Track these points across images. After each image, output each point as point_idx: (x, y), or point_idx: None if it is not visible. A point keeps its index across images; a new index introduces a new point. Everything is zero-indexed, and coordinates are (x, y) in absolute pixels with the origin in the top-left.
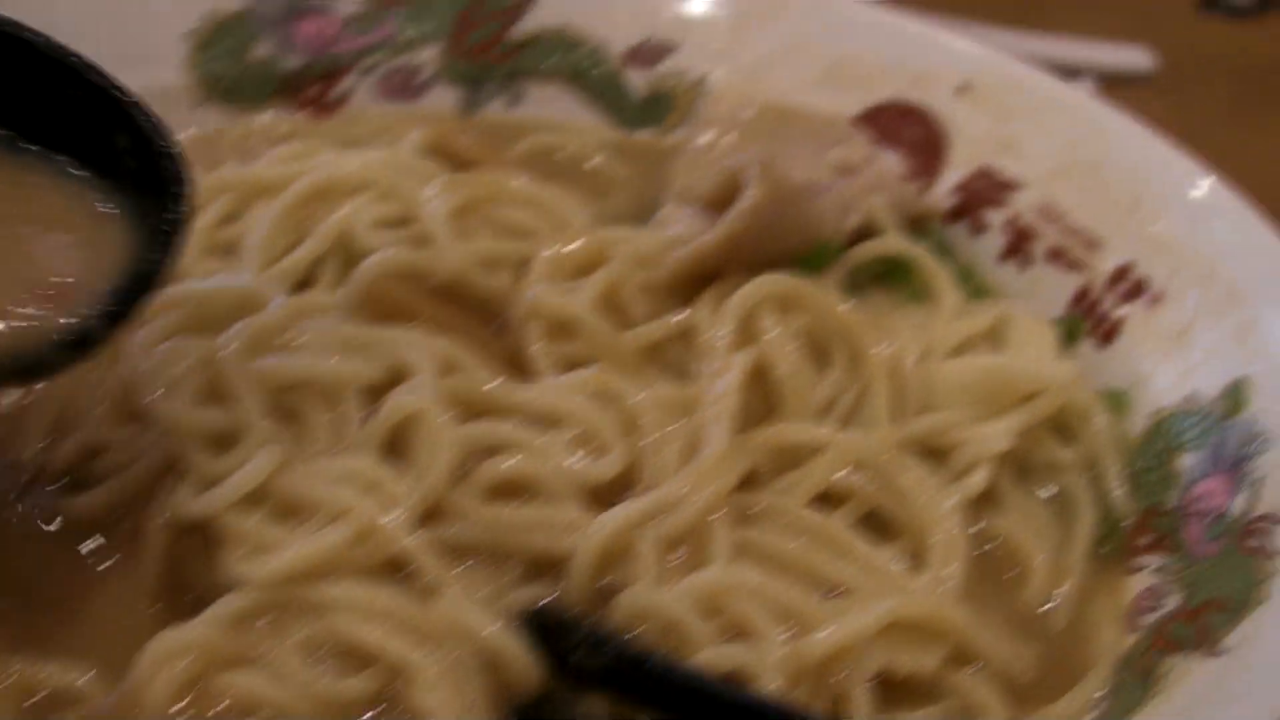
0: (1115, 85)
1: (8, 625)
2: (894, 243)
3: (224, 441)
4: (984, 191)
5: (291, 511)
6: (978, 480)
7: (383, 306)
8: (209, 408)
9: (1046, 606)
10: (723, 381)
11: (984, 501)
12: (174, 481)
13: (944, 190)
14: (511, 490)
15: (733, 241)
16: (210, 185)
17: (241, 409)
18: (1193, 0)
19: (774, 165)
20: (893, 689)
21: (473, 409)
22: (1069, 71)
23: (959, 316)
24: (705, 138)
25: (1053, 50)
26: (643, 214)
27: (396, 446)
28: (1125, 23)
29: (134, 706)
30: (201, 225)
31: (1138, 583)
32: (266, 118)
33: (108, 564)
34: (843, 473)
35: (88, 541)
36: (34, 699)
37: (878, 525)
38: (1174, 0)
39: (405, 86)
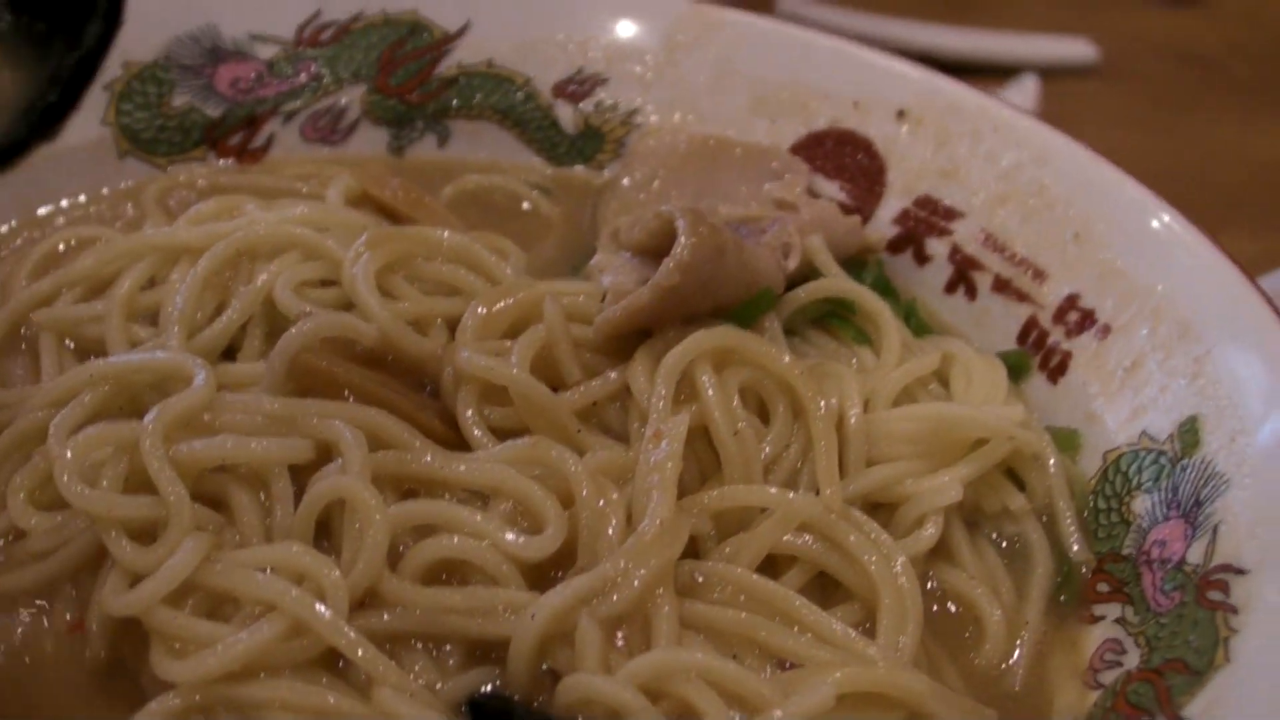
0: (1058, 77)
1: None
2: (835, 283)
3: (150, 530)
4: (926, 220)
5: (220, 603)
6: (929, 535)
7: (308, 377)
8: (132, 496)
9: (1005, 664)
10: (661, 447)
11: (936, 555)
12: (102, 570)
13: (885, 219)
14: (447, 570)
15: (665, 298)
16: (131, 248)
17: (165, 497)
18: None
19: (705, 214)
20: None
21: (404, 485)
22: (1011, 67)
23: (904, 359)
24: (635, 175)
25: (993, 46)
26: (576, 256)
27: (327, 527)
28: (1065, 15)
29: None
30: (122, 292)
31: (1098, 633)
32: (189, 169)
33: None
34: (789, 535)
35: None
36: None
37: (827, 586)
38: None
39: (331, 129)
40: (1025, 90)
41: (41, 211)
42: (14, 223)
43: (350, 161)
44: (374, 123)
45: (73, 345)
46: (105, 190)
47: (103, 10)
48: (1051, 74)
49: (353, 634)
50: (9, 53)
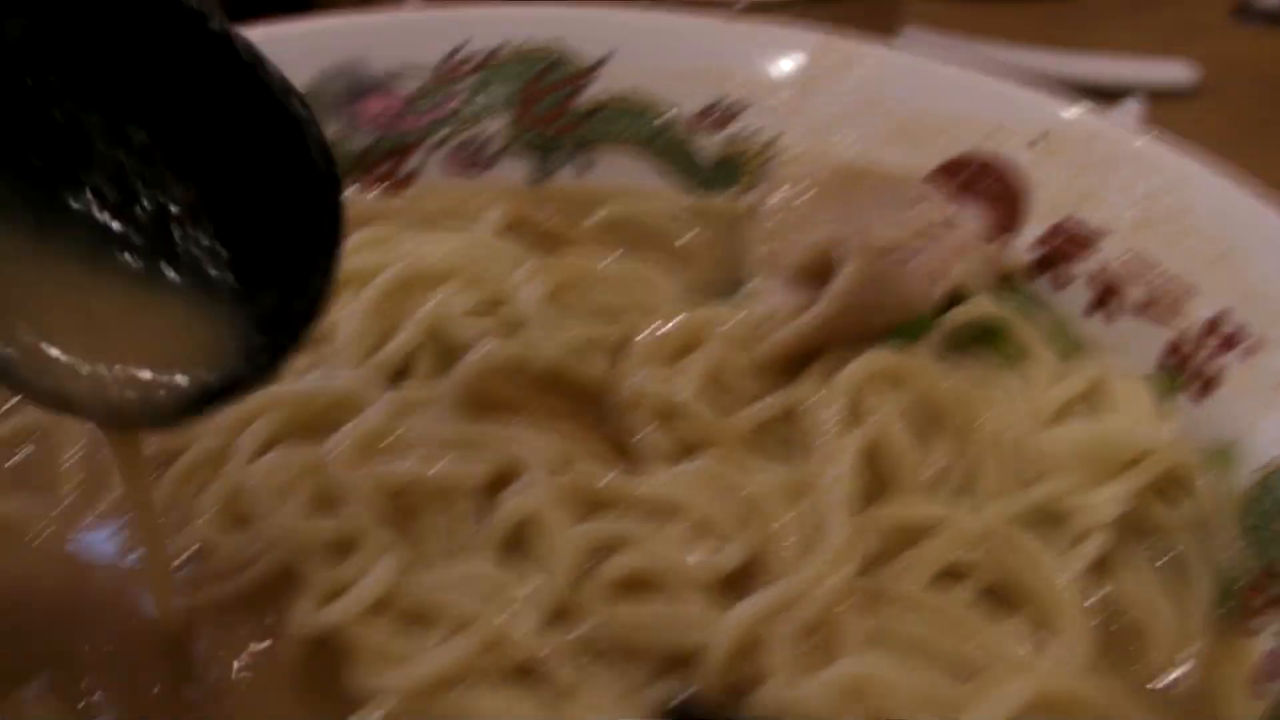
0: (1161, 100)
1: None
2: (985, 307)
3: (338, 550)
4: (1067, 244)
5: (415, 620)
6: (1092, 548)
7: (485, 400)
8: (321, 517)
9: (1171, 676)
10: (837, 465)
11: (1097, 570)
12: (290, 591)
13: (1025, 245)
14: (634, 586)
15: (832, 321)
16: None
17: (355, 516)
18: (1227, 8)
19: (867, 238)
20: None
21: (587, 505)
22: (1115, 92)
23: (1055, 381)
24: (778, 201)
25: (1095, 70)
26: (726, 282)
27: (514, 546)
28: (1162, 36)
29: None
30: None
31: (1259, 645)
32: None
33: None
34: (958, 551)
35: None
36: None
37: (997, 600)
38: (1208, 10)
39: (475, 160)
40: (1129, 114)
41: None
42: None
43: (496, 191)
44: (517, 152)
45: None
46: None
47: (324, 268)
48: (1153, 97)
49: (548, 646)
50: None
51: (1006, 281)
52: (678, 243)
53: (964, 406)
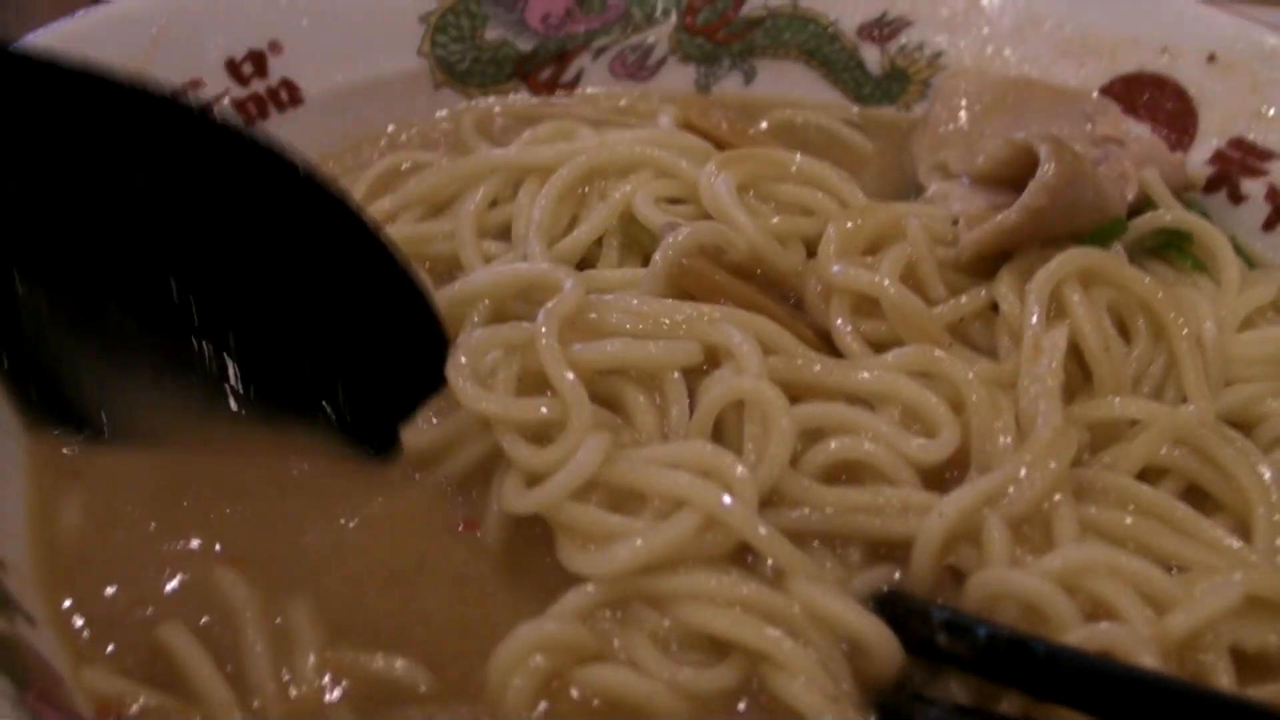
0: None
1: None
2: (1176, 214)
3: (548, 430)
4: (1240, 161)
5: (624, 501)
6: None
7: (689, 282)
8: (528, 398)
9: None
10: (1048, 358)
11: None
12: (501, 472)
13: (1198, 162)
14: (843, 472)
15: (1034, 218)
16: (473, 169)
17: (565, 395)
18: None
19: (1063, 141)
20: (1239, 664)
21: (794, 390)
22: None
23: (1246, 287)
24: (944, 113)
25: None
26: (900, 188)
27: (719, 431)
28: None
29: (493, 706)
30: (471, 208)
31: None
32: (506, 100)
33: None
34: (1164, 447)
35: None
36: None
37: (1197, 499)
38: None
39: (639, 66)
40: None
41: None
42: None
43: (663, 96)
44: (681, 60)
45: (426, 265)
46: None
47: None
48: None
49: (765, 528)
50: None
51: (1183, 194)
52: (846, 151)
53: (1161, 307)
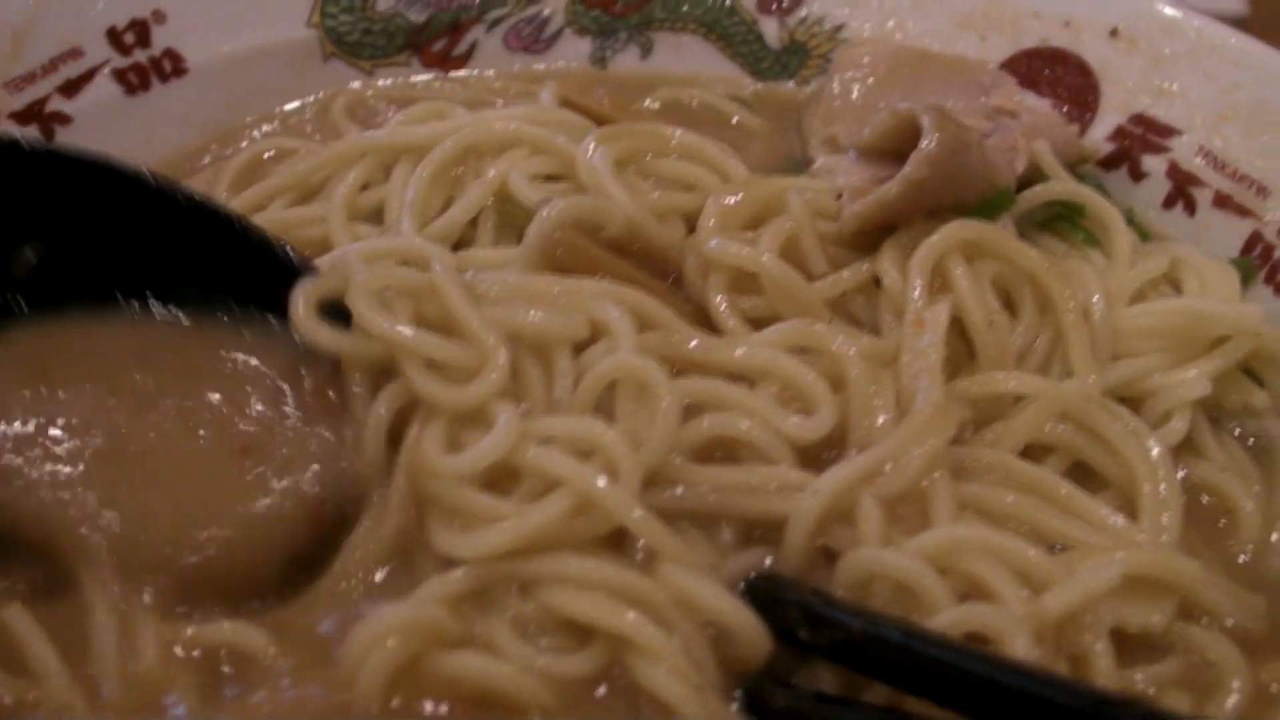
0: None
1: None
2: (1067, 186)
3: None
4: (1142, 138)
5: (500, 476)
6: (1178, 427)
7: (560, 259)
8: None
9: (1259, 552)
10: (928, 334)
11: (1183, 449)
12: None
13: (1100, 136)
14: (718, 449)
15: (916, 190)
16: (343, 152)
17: (481, 338)
18: None
19: (947, 112)
20: (1124, 645)
21: (672, 366)
22: None
23: (1137, 260)
24: (840, 85)
25: None
26: (788, 163)
27: (601, 406)
28: None
29: (346, 688)
30: (343, 191)
31: None
32: (378, 83)
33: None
34: (1048, 423)
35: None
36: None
37: (1083, 476)
38: None
39: (535, 39)
40: None
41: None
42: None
43: (550, 74)
44: (577, 33)
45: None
46: (295, 104)
47: None
48: None
49: (640, 511)
50: None
51: (1079, 168)
52: (734, 129)
53: (1048, 280)
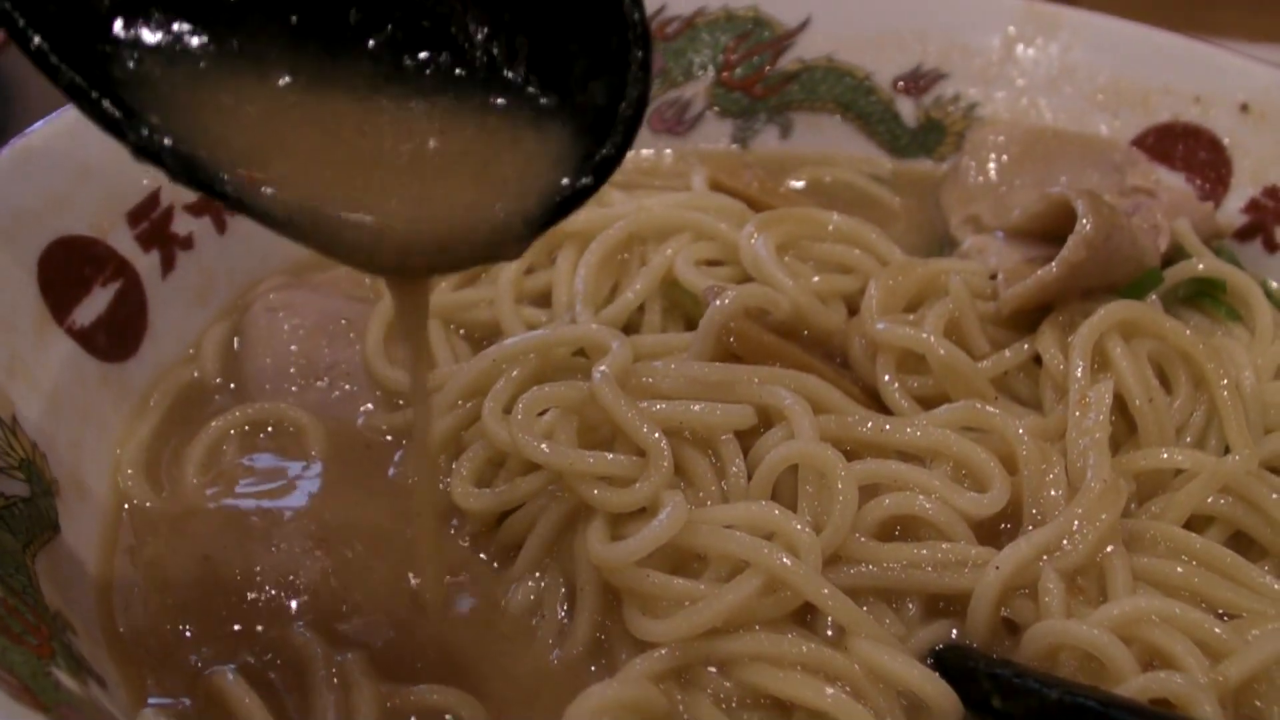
0: None
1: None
2: (1210, 263)
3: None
4: (1275, 210)
5: (684, 562)
6: None
7: (733, 347)
8: (600, 451)
9: None
10: (1095, 410)
11: None
12: (583, 523)
13: (1233, 210)
14: (896, 527)
15: (1074, 272)
16: None
17: (645, 440)
18: None
19: (1099, 195)
20: None
21: (845, 447)
22: None
23: (1277, 334)
24: (974, 165)
25: None
26: (925, 242)
27: (777, 492)
28: None
29: None
30: (509, 275)
31: None
32: None
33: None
34: (1210, 495)
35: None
36: None
37: (1242, 546)
38: None
39: (677, 121)
40: None
41: None
42: None
43: (695, 154)
44: (718, 115)
45: (462, 331)
46: None
47: (636, 67)
48: None
49: (828, 587)
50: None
51: (1213, 242)
52: (875, 207)
53: (1202, 357)
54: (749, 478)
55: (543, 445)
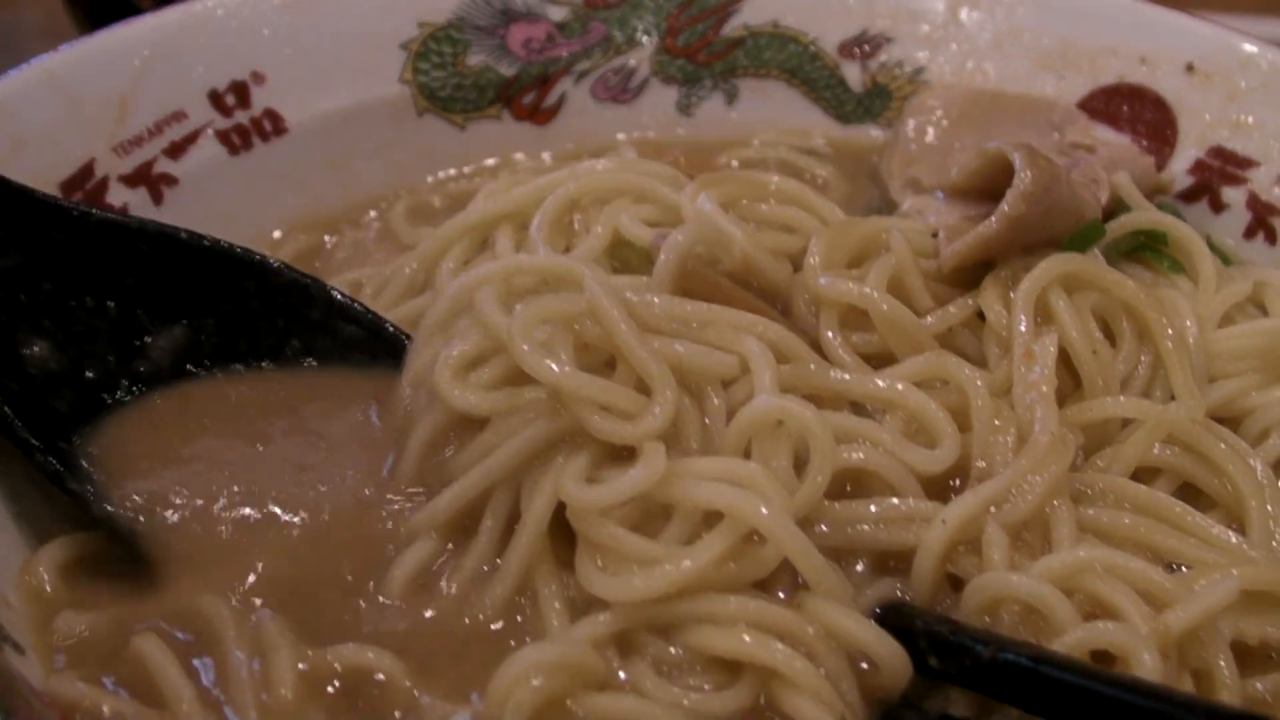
0: None
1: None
2: (1151, 215)
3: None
4: (1221, 170)
5: (649, 516)
6: (1277, 444)
7: (689, 287)
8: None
9: None
10: (1038, 366)
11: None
12: (566, 454)
13: (1179, 170)
14: (846, 480)
15: (1015, 226)
16: (442, 235)
17: (646, 367)
18: None
19: (1036, 148)
20: (1243, 657)
21: (805, 397)
22: None
23: (1222, 285)
24: (913, 129)
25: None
26: (860, 212)
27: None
28: None
29: None
30: (449, 266)
31: None
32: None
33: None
34: (1156, 446)
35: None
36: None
37: (1189, 496)
38: None
39: (622, 89)
40: None
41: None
42: None
43: (624, 145)
44: (663, 82)
45: None
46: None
47: None
48: None
49: (803, 543)
50: None
51: (1156, 197)
52: (808, 181)
53: (1144, 308)
54: None
55: (549, 362)
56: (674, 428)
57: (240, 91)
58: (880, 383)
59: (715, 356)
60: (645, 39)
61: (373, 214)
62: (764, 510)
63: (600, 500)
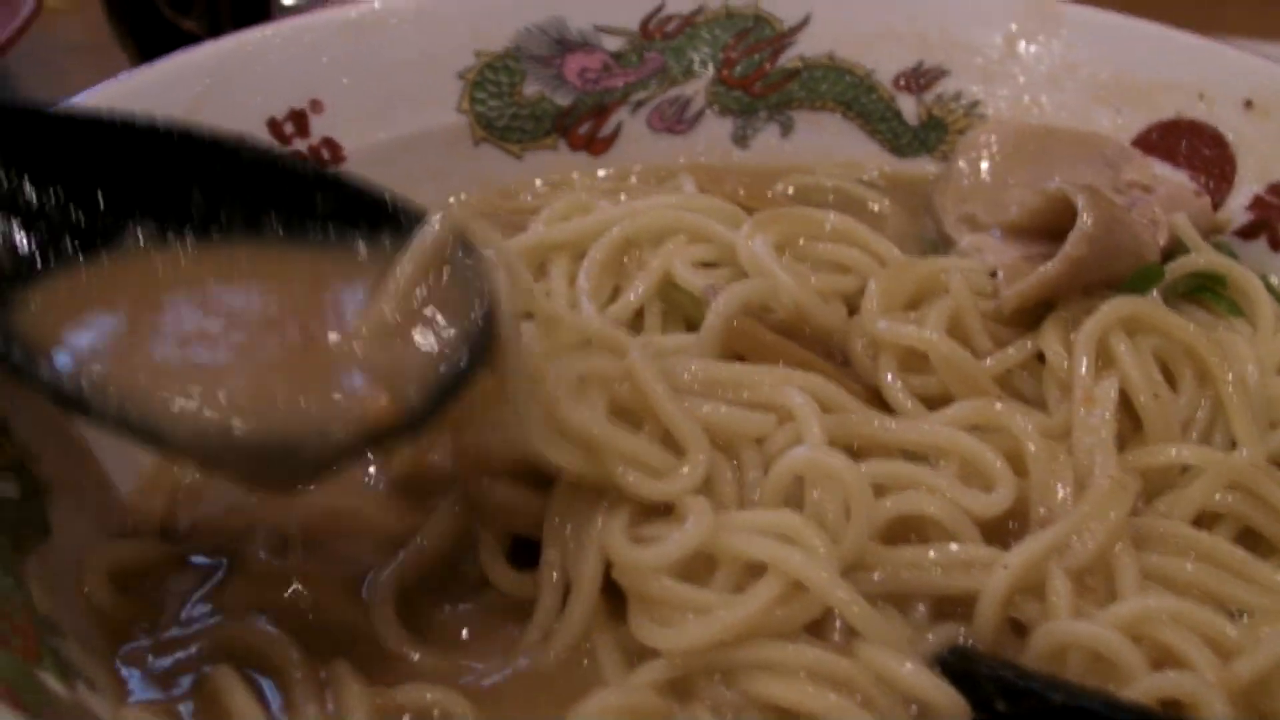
0: None
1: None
2: (1210, 258)
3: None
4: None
5: (695, 568)
6: None
7: (737, 345)
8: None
9: None
10: (1099, 410)
11: None
12: (607, 512)
13: (1238, 207)
14: (903, 528)
15: (1076, 268)
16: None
17: (679, 427)
18: None
19: (1098, 189)
20: None
21: (851, 447)
22: None
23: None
24: (967, 165)
25: None
26: (915, 246)
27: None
28: None
29: None
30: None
31: None
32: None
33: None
34: (1219, 492)
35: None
36: None
37: (1250, 543)
38: None
39: (677, 119)
40: None
41: None
42: None
43: (681, 168)
44: (719, 113)
45: None
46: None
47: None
48: None
49: (845, 591)
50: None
51: (1212, 237)
52: (864, 212)
53: (1206, 352)
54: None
55: (583, 411)
56: (708, 483)
57: (299, 120)
58: (928, 428)
59: (751, 416)
60: (701, 70)
61: None
62: (805, 561)
63: (652, 562)
